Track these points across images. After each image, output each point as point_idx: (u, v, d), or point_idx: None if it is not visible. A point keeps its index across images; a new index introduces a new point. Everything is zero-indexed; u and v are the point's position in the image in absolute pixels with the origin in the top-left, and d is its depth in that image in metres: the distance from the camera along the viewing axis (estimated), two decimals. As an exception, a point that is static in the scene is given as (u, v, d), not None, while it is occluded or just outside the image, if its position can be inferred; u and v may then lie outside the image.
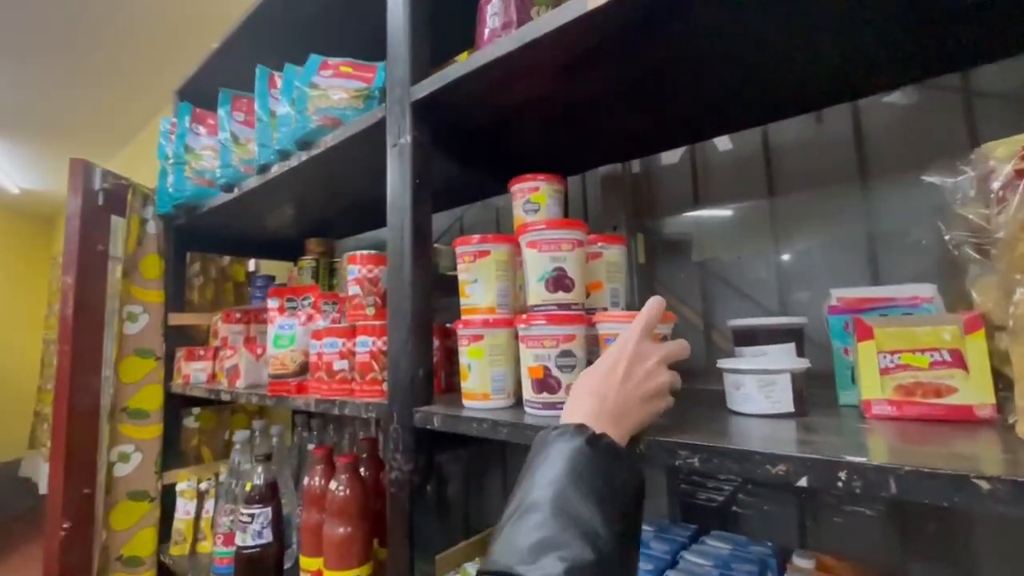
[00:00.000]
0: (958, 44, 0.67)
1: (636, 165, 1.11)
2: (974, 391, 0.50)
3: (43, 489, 3.69)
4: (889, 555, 0.77)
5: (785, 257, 0.91)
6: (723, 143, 1.01)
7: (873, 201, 0.83)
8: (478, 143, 0.92)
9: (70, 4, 2.02)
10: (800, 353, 0.66)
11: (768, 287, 0.93)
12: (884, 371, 0.55)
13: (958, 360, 0.52)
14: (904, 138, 0.81)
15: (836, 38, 0.64)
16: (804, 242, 0.90)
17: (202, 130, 1.35)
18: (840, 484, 0.38)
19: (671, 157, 1.08)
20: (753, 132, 0.95)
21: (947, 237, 0.65)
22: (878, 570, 0.73)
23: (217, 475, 1.41)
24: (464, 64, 0.68)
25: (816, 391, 0.64)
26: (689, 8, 0.56)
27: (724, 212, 1.00)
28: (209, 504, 1.36)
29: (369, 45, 1.11)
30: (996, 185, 0.48)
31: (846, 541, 0.82)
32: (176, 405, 1.43)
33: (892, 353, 0.55)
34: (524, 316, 0.63)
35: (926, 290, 0.63)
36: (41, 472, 3.86)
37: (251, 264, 2.08)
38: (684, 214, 1.05)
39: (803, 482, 0.40)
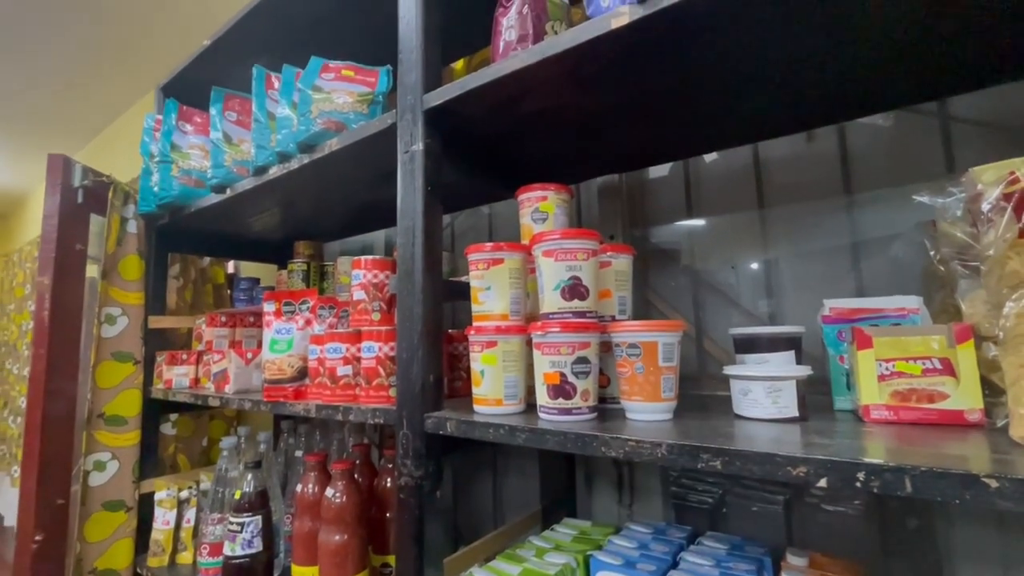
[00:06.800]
0: (937, 76, 0.72)
1: (630, 176, 1.15)
2: (964, 397, 0.54)
3: (10, 520, 3.20)
4: (867, 550, 0.82)
5: (774, 267, 0.96)
6: (710, 155, 1.05)
7: (857, 216, 0.89)
8: (482, 151, 0.93)
9: (39, -8, 1.94)
10: (798, 360, 0.70)
11: (758, 295, 0.97)
12: (880, 378, 0.58)
13: (948, 368, 0.56)
14: (886, 158, 0.87)
15: (831, 64, 0.68)
16: (792, 252, 0.95)
17: (189, 128, 1.31)
18: (859, 484, 0.41)
19: (660, 170, 1.11)
20: (745, 147, 0.99)
21: (932, 253, 0.70)
22: (864, 566, 0.77)
23: (197, 483, 1.37)
24: (481, 75, 0.69)
25: (809, 396, 0.68)
26: (701, 33, 0.59)
27: (716, 223, 1.04)
28: (189, 513, 1.32)
29: (361, 48, 1.11)
30: (986, 207, 0.52)
31: (829, 539, 0.86)
32: (155, 411, 1.38)
33: (887, 361, 0.59)
34: (540, 323, 0.65)
35: (912, 302, 0.67)
36: (6, 498, 3.36)
37: (230, 266, 2.03)
38: (676, 224, 1.09)
39: (823, 483, 0.43)
